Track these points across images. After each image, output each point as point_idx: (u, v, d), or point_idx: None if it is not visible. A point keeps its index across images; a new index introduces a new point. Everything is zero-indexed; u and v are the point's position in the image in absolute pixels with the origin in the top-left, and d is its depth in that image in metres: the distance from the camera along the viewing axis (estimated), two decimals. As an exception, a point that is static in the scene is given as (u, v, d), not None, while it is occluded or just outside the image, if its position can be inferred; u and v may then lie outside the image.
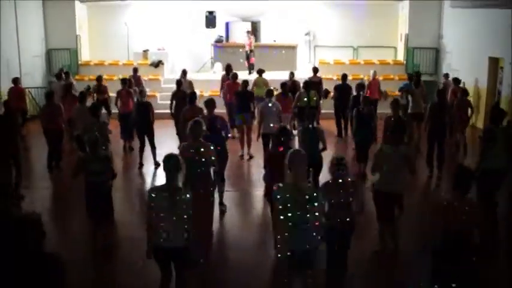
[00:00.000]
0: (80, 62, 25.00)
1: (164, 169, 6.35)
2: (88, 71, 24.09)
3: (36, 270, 4.55)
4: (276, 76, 19.97)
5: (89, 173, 8.71)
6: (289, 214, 5.92)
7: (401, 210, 8.92)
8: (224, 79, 18.58)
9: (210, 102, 10.98)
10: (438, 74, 23.36)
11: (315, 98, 15.78)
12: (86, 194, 8.86)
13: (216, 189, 9.77)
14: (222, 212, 10.63)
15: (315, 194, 6.06)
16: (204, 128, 8.53)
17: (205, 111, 11.45)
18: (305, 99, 15.54)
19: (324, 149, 10.67)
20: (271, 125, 13.03)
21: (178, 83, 16.31)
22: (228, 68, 18.65)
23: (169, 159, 6.37)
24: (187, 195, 6.32)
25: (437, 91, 14.28)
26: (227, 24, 27.22)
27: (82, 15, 25.75)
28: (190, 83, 17.73)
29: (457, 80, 17.65)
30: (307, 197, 5.96)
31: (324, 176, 8.76)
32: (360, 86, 16.01)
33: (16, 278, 4.51)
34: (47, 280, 4.59)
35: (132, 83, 17.22)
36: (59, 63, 24.06)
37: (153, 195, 6.32)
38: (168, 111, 15.99)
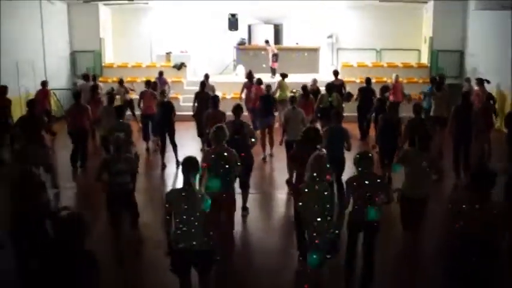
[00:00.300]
0: (103, 64, 25.23)
1: (182, 171, 6.38)
2: (111, 73, 24.20)
3: (78, 268, 4.66)
4: (298, 79, 19.92)
5: (112, 174, 8.66)
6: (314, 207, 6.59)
7: (423, 215, 8.79)
8: (247, 85, 18.62)
9: (238, 108, 11.01)
10: (463, 77, 23.07)
11: (338, 100, 15.83)
12: (108, 195, 8.82)
13: (238, 192, 9.87)
14: (245, 216, 10.63)
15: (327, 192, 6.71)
16: (227, 133, 8.55)
17: (228, 113, 11.53)
18: (329, 100, 15.57)
19: (349, 148, 10.61)
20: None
21: (202, 84, 16.43)
22: (249, 75, 18.70)
23: (187, 160, 6.41)
24: (206, 197, 6.32)
25: (462, 94, 14.06)
26: (249, 27, 27.26)
27: (106, 17, 26.00)
28: (213, 88, 17.82)
29: (480, 81, 17.36)
30: (325, 193, 6.70)
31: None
32: (385, 89, 15.93)
33: (59, 274, 4.62)
34: (86, 278, 4.69)
35: (157, 86, 17.32)
36: (83, 65, 24.31)
37: (171, 197, 6.38)
38: (191, 113, 16.09)
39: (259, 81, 17.81)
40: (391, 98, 17.22)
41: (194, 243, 6.17)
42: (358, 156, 7.25)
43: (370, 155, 7.28)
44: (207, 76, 18.36)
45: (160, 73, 20.15)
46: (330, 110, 13.08)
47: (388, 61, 25.13)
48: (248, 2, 24.90)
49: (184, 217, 6.18)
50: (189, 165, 6.34)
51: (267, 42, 24.07)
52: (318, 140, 8.54)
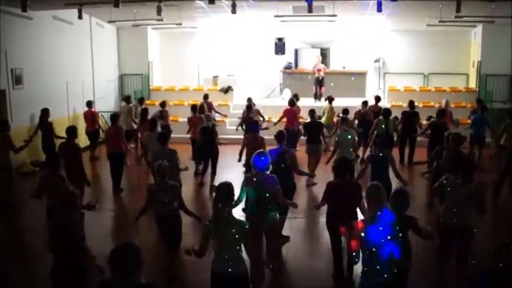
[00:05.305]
0: (151, 87, 25.57)
1: (216, 197, 6.46)
2: (159, 96, 24.34)
3: None
4: (345, 103, 19.78)
5: (157, 203, 8.54)
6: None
7: (467, 247, 8.14)
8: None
9: (280, 135, 10.95)
10: (512, 102, 22.76)
11: (395, 127, 15.70)
12: (156, 223, 8.81)
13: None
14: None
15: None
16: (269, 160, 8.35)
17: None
18: (383, 126, 15.50)
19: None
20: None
21: (248, 108, 16.65)
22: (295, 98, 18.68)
23: (221, 187, 6.52)
24: (242, 225, 6.37)
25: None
26: (296, 51, 27.33)
27: (154, 41, 26.40)
28: (258, 111, 17.79)
29: None
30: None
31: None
32: (441, 112, 15.65)
33: None
34: None
35: (204, 109, 17.24)
36: (131, 88, 24.76)
37: (207, 223, 6.44)
38: (236, 136, 16.16)
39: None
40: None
41: (229, 267, 6.22)
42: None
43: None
44: (249, 100, 18.52)
45: (205, 96, 20.26)
46: (385, 137, 12.96)
47: (436, 85, 24.93)
48: (295, 27, 24.96)
49: (219, 242, 6.28)
50: (222, 191, 6.45)
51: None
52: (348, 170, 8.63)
